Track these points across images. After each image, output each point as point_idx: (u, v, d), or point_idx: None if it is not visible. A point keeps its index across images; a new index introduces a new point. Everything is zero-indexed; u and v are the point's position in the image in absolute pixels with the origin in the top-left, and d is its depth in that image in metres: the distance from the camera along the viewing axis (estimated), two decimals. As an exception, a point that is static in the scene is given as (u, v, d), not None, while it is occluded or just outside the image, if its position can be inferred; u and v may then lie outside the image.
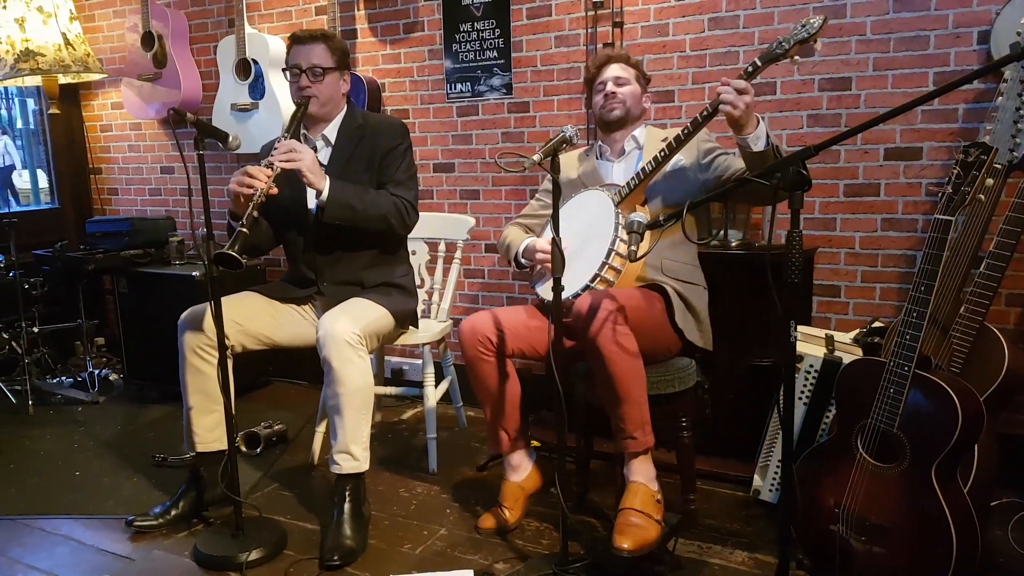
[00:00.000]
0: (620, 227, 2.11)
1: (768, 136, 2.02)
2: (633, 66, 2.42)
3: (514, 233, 2.49)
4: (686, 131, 2.12)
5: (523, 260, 2.38)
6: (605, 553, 2.02)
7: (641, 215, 1.96)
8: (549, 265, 2.21)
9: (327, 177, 2.29)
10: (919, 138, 2.56)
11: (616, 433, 2.10)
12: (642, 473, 2.09)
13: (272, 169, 2.20)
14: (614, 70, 2.39)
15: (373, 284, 2.49)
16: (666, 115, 2.92)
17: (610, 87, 2.37)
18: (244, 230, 2.09)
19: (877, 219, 2.65)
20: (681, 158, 2.29)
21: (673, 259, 2.28)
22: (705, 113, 2.06)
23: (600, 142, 2.46)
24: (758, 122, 2.00)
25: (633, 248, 1.89)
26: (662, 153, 2.17)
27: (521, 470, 2.35)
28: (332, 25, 3.29)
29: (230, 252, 2.02)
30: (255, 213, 2.13)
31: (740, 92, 1.94)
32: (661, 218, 2.02)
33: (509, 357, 2.27)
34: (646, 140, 2.39)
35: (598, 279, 2.10)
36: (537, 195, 2.60)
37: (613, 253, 2.09)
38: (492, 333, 2.24)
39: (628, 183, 2.26)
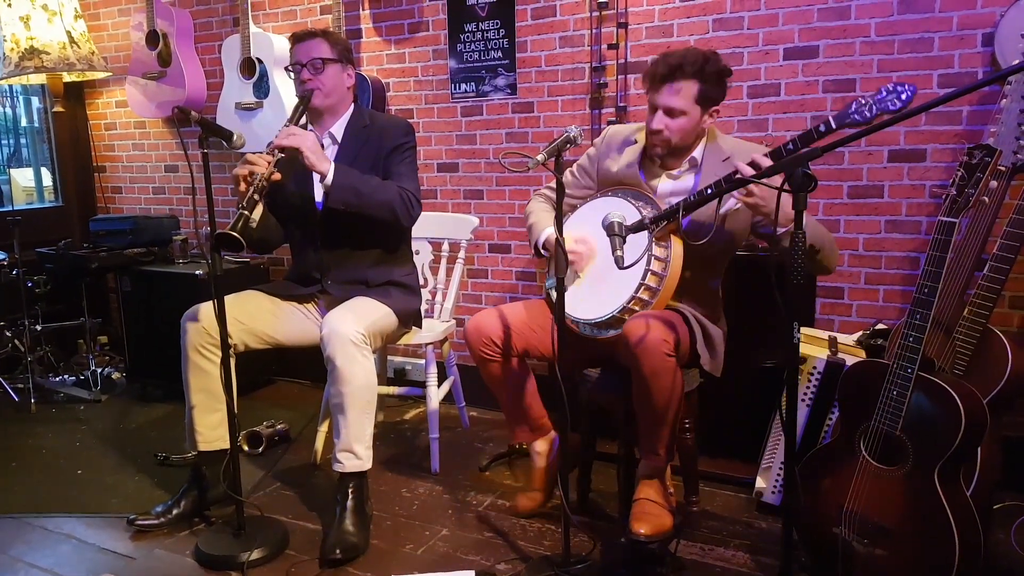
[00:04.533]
0: (652, 258, 1.99)
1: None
2: (705, 79, 1.97)
3: (540, 212, 2.29)
4: (711, 190, 1.90)
5: (543, 251, 2.22)
6: (613, 545, 2.02)
7: (620, 216, 1.87)
8: (577, 265, 2.14)
9: (331, 161, 2.29)
10: (923, 140, 2.56)
11: (642, 443, 2.14)
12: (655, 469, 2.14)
13: (273, 154, 2.19)
14: (670, 96, 1.99)
15: (377, 283, 2.49)
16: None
17: (656, 122, 2.02)
18: (245, 212, 2.08)
19: (881, 221, 2.65)
20: (734, 201, 1.98)
21: (694, 298, 2.17)
22: (724, 185, 1.85)
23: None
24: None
25: (619, 254, 1.81)
26: (704, 192, 1.92)
27: (545, 455, 2.35)
28: (337, 25, 3.29)
29: (230, 232, 2.01)
30: (256, 197, 2.12)
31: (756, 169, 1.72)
32: (647, 220, 1.96)
33: (515, 357, 2.25)
34: (705, 158, 2.09)
35: (633, 300, 2.03)
36: (574, 169, 2.34)
37: (643, 287, 2.01)
38: (496, 334, 2.21)
39: (667, 210, 1.99)
